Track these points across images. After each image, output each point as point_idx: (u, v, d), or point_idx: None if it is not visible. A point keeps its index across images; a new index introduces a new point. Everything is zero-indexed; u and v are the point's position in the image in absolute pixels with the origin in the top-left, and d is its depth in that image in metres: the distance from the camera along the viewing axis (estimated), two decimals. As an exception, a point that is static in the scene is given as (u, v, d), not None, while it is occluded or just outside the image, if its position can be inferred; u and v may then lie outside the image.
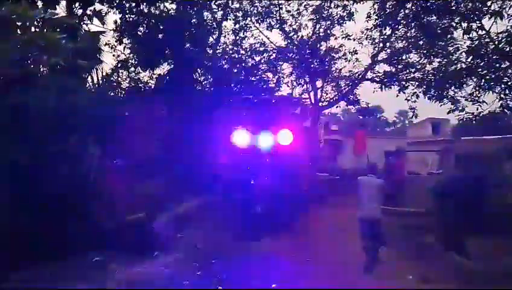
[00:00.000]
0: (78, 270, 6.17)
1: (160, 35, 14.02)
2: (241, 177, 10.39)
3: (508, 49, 9.12)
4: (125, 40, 14.41)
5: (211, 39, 16.63)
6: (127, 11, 13.69)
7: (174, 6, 14.58)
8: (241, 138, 10.08)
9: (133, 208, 7.75)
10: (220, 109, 13.63)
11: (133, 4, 13.48)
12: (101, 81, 11.21)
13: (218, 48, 17.08)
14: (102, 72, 11.55)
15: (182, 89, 13.67)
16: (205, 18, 16.05)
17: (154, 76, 15.00)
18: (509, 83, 9.47)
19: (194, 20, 14.78)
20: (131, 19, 13.94)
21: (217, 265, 6.95)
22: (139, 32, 14.18)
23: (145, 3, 13.64)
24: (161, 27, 14.00)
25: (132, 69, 14.87)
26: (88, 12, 12.26)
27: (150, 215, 8.05)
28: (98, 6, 12.47)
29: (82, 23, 11.99)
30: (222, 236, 8.90)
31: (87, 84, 10.46)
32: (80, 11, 11.98)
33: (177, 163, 11.55)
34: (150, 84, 15.02)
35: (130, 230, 7.47)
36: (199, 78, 16.27)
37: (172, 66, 14.67)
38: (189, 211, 10.45)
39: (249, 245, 8.18)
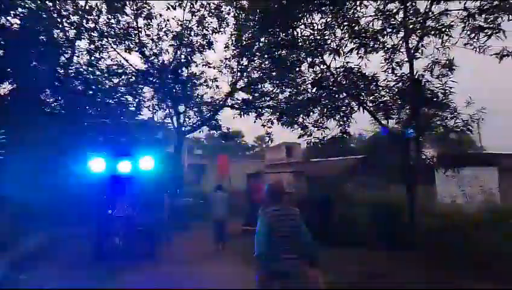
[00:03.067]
0: None
1: (0, 52, 12.39)
2: (97, 207, 9.59)
3: (344, 82, 10.54)
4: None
5: (62, 58, 15.34)
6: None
7: (17, 21, 13.09)
8: (97, 164, 9.29)
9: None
10: (72, 133, 12.55)
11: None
12: None
13: (71, 67, 15.81)
14: None
15: (26, 111, 12.20)
16: (56, 36, 14.80)
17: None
18: (346, 112, 10.87)
19: (43, 37, 13.49)
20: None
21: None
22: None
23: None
24: (2, 42, 12.39)
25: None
26: None
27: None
28: None
29: None
30: (75, 273, 8.03)
31: None
32: None
33: (23, 194, 10.15)
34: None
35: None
36: (48, 100, 14.80)
37: (15, 85, 13.04)
38: (37, 246, 9.23)
39: (104, 282, 7.50)
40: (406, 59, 9.66)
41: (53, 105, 15.00)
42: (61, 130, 12.34)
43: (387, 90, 9.90)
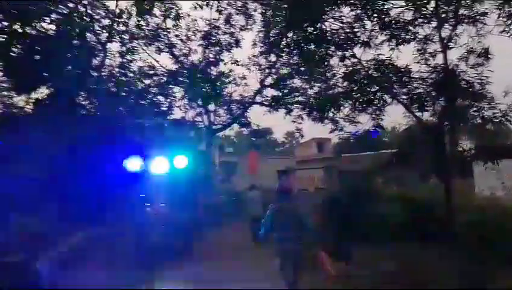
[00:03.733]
0: None
1: (37, 57, 12.87)
2: (135, 205, 9.88)
3: (376, 75, 10.34)
4: (-5, 63, 12.87)
5: (95, 61, 15.81)
6: (-3, 30, 12.34)
7: (53, 26, 13.56)
8: (133, 163, 9.62)
9: (11, 247, 6.81)
10: (108, 134, 12.93)
11: (5, 23, 12.21)
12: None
13: (103, 70, 16.28)
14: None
15: (63, 114, 12.66)
16: (88, 39, 15.26)
17: (30, 101, 13.67)
18: (378, 105, 10.66)
19: (76, 41, 13.94)
20: (3, 39, 12.59)
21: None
22: (12, 54, 12.83)
23: (19, 23, 12.47)
24: (38, 48, 12.88)
25: (5, 93, 13.34)
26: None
27: (31, 254, 7.15)
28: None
29: None
30: (114, 271, 8.28)
31: None
32: None
33: (64, 194, 10.56)
34: (26, 109, 13.62)
35: (6, 272, 6.56)
36: (83, 102, 15.30)
37: (52, 89, 13.55)
38: (78, 246, 9.58)
39: (143, 278, 7.71)
40: (440, 49, 9.39)
41: (88, 107, 15.49)
42: (98, 130, 12.73)
43: (421, 82, 9.65)
